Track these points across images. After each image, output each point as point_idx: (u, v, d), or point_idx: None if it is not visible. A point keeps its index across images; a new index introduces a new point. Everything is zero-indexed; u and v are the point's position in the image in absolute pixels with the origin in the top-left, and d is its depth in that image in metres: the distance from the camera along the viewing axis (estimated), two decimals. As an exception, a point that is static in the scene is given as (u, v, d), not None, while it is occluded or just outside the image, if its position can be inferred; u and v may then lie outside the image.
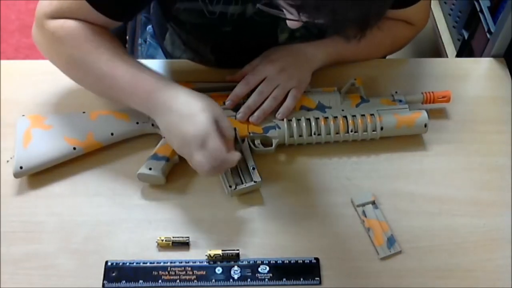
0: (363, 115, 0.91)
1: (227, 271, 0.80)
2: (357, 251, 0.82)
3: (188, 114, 0.80)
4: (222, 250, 0.81)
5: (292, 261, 0.81)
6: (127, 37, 1.21)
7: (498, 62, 1.05)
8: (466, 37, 1.31)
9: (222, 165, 0.80)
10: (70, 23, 0.85)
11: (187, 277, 0.80)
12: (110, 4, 0.84)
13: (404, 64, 1.07)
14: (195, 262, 0.81)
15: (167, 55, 1.12)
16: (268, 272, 0.80)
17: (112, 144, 0.91)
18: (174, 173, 0.89)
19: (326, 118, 0.91)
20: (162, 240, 0.82)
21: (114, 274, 0.80)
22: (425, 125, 0.92)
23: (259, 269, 0.80)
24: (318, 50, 0.96)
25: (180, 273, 0.80)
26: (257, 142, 0.90)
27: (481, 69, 1.05)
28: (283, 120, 0.90)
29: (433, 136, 0.93)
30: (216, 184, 0.88)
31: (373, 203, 0.86)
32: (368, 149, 0.92)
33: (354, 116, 0.91)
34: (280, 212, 0.86)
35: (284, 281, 0.80)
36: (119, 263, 0.80)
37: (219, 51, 1.02)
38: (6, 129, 0.92)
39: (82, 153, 0.89)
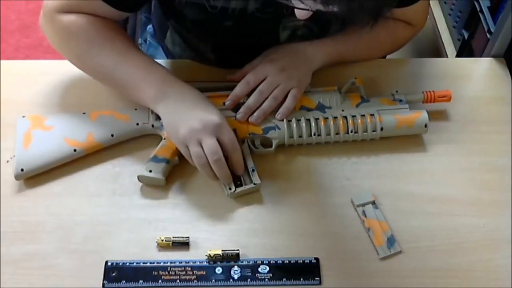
0: (363, 115, 0.91)
1: (227, 271, 0.80)
2: (357, 251, 0.82)
3: (202, 104, 0.83)
4: (222, 250, 0.81)
5: (292, 261, 0.81)
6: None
7: (498, 62, 1.05)
8: (466, 37, 1.31)
9: (235, 150, 0.82)
10: (82, 19, 0.87)
11: (187, 277, 0.80)
12: None
13: (404, 64, 1.07)
14: (195, 262, 0.81)
15: (168, 54, 1.12)
16: (268, 272, 0.80)
17: (112, 144, 0.91)
18: (174, 174, 0.89)
19: (326, 118, 0.91)
20: (162, 240, 0.82)
21: (114, 274, 0.80)
22: (425, 125, 0.91)
23: (259, 269, 0.80)
24: (318, 50, 0.96)
25: (180, 273, 0.80)
26: (257, 142, 0.90)
27: (481, 69, 1.05)
28: (283, 120, 0.90)
29: (433, 136, 0.93)
30: (216, 184, 0.88)
31: (373, 203, 0.86)
32: (368, 149, 0.92)
33: (354, 116, 0.91)
34: (280, 212, 0.86)
35: (284, 281, 0.79)
36: (119, 263, 0.80)
37: (219, 50, 1.02)
38: (6, 129, 0.92)
39: (83, 155, 0.89)
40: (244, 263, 0.81)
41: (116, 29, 0.90)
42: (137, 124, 0.90)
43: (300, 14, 0.73)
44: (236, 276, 0.80)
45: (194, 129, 0.81)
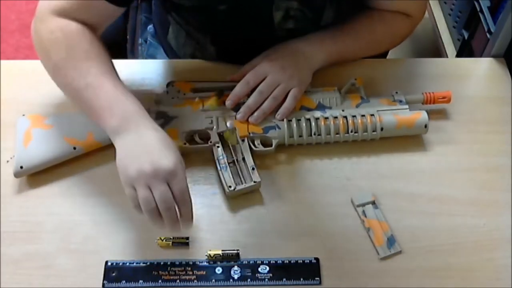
0: (363, 116, 0.91)
1: (227, 271, 0.80)
2: (357, 251, 0.82)
3: (160, 147, 0.76)
4: (222, 250, 0.81)
5: (292, 261, 0.81)
6: (127, 37, 1.21)
7: (498, 62, 1.05)
8: (466, 37, 1.32)
9: (186, 205, 0.76)
10: (71, 26, 0.85)
11: (187, 277, 0.80)
12: None
13: (404, 64, 1.07)
14: (195, 262, 0.81)
15: (169, 53, 1.12)
16: (268, 272, 0.80)
17: (111, 144, 0.91)
18: (174, 173, 0.89)
19: (326, 118, 0.91)
20: (162, 240, 0.82)
21: (114, 274, 0.80)
22: (425, 126, 0.91)
23: (259, 269, 0.80)
24: (317, 49, 0.96)
25: (180, 273, 0.80)
26: (257, 142, 0.90)
27: (481, 69, 1.05)
28: (283, 120, 0.90)
29: (433, 136, 0.93)
30: (216, 184, 0.88)
31: (373, 203, 0.86)
32: (368, 149, 0.92)
33: (354, 116, 0.91)
34: (280, 212, 0.86)
35: (284, 281, 0.79)
36: (119, 263, 0.80)
37: (219, 42, 1.01)
38: (6, 129, 0.92)
39: (82, 153, 0.89)
40: (244, 263, 0.81)
41: (102, 48, 0.86)
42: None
43: None
44: (236, 276, 0.80)
45: (144, 172, 0.74)
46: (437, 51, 1.44)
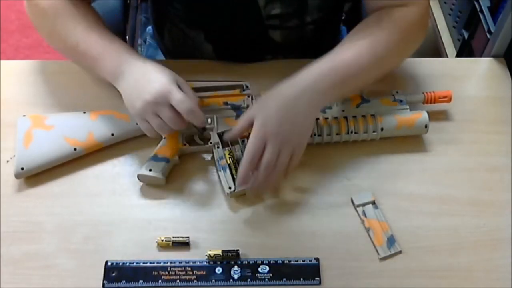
0: (363, 116, 0.91)
1: (227, 271, 0.80)
2: (357, 251, 0.82)
3: (150, 76, 0.84)
4: (222, 250, 0.81)
5: (292, 261, 0.81)
6: (127, 38, 1.21)
7: (498, 62, 1.05)
8: (466, 37, 1.32)
9: (192, 113, 0.81)
10: None
11: (187, 277, 0.80)
12: None
13: (404, 64, 1.07)
14: (195, 262, 0.81)
15: (167, 54, 1.12)
16: (268, 272, 0.80)
17: (112, 144, 0.91)
18: (174, 173, 0.89)
19: (327, 118, 0.91)
20: (162, 240, 0.82)
21: (114, 274, 0.80)
22: (426, 126, 0.91)
23: (259, 269, 0.80)
24: (317, 97, 0.84)
25: (180, 273, 0.80)
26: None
27: (481, 69, 1.05)
28: None
29: (433, 136, 0.93)
30: (216, 184, 0.88)
31: (373, 203, 0.86)
32: (368, 149, 0.92)
33: (354, 117, 0.90)
34: (280, 212, 0.86)
35: (284, 281, 0.79)
36: (119, 263, 0.80)
37: (213, 39, 1.02)
38: (6, 129, 0.92)
39: (83, 154, 0.89)
40: (244, 263, 0.81)
41: (83, 8, 0.91)
42: (137, 123, 0.90)
43: None
44: (236, 276, 0.80)
45: (146, 103, 0.81)
46: (437, 51, 1.44)
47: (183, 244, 0.82)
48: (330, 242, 0.83)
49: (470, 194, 0.88)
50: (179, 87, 0.83)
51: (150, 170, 0.86)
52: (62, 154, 0.88)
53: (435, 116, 0.95)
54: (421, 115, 0.91)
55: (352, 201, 0.86)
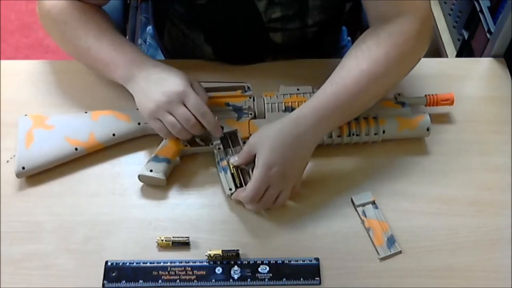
0: (365, 118, 0.90)
1: (227, 271, 0.80)
2: (357, 251, 0.82)
3: (165, 77, 0.85)
4: (222, 250, 0.81)
5: (292, 261, 0.81)
6: (127, 38, 1.21)
7: (498, 62, 1.05)
8: (466, 37, 1.32)
9: (205, 116, 0.83)
10: (61, 2, 0.90)
11: (187, 277, 0.80)
12: None
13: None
14: (195, 262, 0.81)
15: (167, 55, 1.12)
16: (268, 272, 0.80)
17: (113, 144, 0.91)
18: (174, 173, 0.89)
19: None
20: (162, 240, 0.82)
21: (114, 274, 0.80)
22: (428, 129, 0.91)
23: (259, 269, 0.80)
24: (315, 130, 0.83)
25: (180, 273, 0.80)
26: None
27: (481, 69, 1.05)
28: None
29: (433, 136, 0.93)
30: (216, 184, 0.88)
31: (373, 203, 0.86)
32: (368, 149, 0.92)
33: (356, 119, 0.90)
34: (280, 212, 0.86)
35: (284, 281, 0.79)
36: (119, 263, 0.80)
37: (212, 41, 1.02)
38: (6, 129, 0.92)
39: (84, 154, 0.89)
40: (244, 263, 0.81)
41: (94, 12, 0.92)
42: (139, 124, 0.91)
43: None
44: (236, 276, 0.80)
45: (160, 102, 0.82)
46: (437, 51, 1.44)
47: (183, 244, 0.82)
48: (330, 242, 0.83)
49: (470, 194, 0.88)
50: (193, 89, 0.84)
51: (151, 170, 0.86)
52: (63, 154, 0.88)
53: (435, 116, 0.95)
54: (423, 118, 0.91)
55: (352, 201, 0.86)
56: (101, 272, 0.80)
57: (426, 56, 0.91)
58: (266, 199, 0.82)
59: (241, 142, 0.88)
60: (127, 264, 0.80)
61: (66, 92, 0.98)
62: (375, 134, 0.90)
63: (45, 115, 0.91)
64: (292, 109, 0.90)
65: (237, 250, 0.81)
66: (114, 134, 0.90)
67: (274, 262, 0.81)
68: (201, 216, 0.85)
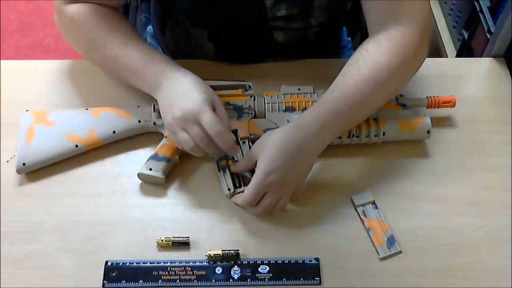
0: (365, 120, 0.90)
1: (227, 271, 0.80)
2: (357, 251, 0.82)
3: (186, 92, 0.83)
4: (222, 250, 0.81)
5: (292, 261, 0.81)
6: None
7: (498, 62, 1.05)
8: (466, 37, 1.32)
9: (220, 137, 0.79)
10: (85, 8, 0.89)
11: (187, 277, 0.80)
12: None
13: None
14: (195, 262, 0.81)
15: (168, 53, 1.12)
16: (268, 272, 0.80)
17: (113, 142, 0.91)
18: (174, 173, 0.89)
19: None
20: (162, 240, 0.82)
21: (114, 274, 0.80)
22: (428, 131, 0.91)
23: (259, 269, 0.80)
24: (317, 139, 0.83)
25: (180, 273, 0.80)
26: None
27: (481, 69, 1.05)
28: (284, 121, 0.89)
29: (432, 136, 0.93)
30: (216, 184, 0.88)
31: (373, 203, 0.86)
32: (368, 149, 0.92)
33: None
34: (280, 212, 0.85)
35: (284, 281, 0.79)
36: (119, 263, 0.80)
37: (216, 38, 1.02)
38: (6, 129, 0.92)
39: (84, 150, 0.89)
40: (244, 263, 0.81)
41: (118, 19, 0.91)
42: (139, 121, 0.91)
43: None
44: (236, 276, 0.80)
45: (176, 118, 0.81)
46: (437, 51, 1.44)
47: (183, 244, 0.82)
48: (330, 242, 0.83)
49: (470, 194, 0.88)
50: (214, 107, 0.82)
51: (151, 169, 0.86)
52: (63, 151, 0.88)
53: (438, 122, 0.95)
54: (424, 120, 0.91)
55: (352, 201, 0.86)
56: (101, 272, 0.80)
57: (426, 56, 0.91)
58: (264, 205, 0.82)
59: (240, 142, 0.88)
60: (127, 264, 0.80)
61: (66, 92, 0.98)
62: (375, 136, 0.90)
63: (46, 111, 0.92)
64: (293, 109, 0.90)
65: (237, 250, 0.81)
66: (114, 132, 0.90)
67: (274, 262, 0.81)
68: (201, 216, 0.85)
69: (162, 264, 0.80)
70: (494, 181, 0.90)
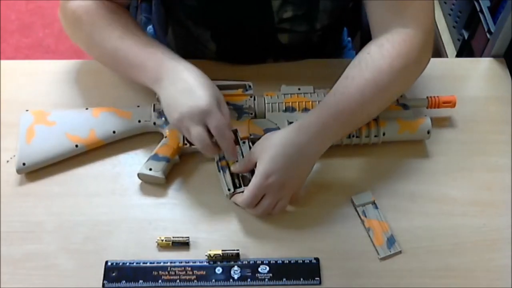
0: None
1: (227, 271, 0.80)
2: (357, 251, 0.82)
3: (192, 88, 0.81)
4: (222, 250, 0.81)
5: (292, 261, 0.81)
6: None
7: (498, 62, 1.05)
8: (466, 37, 1.32)
9: (222, 137, 0.80)
10: (87, 3, 0.88)
11: (187, 277, 0.80)
12: None
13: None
14: (195, 262, 0.81)
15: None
16: (268, 272, 0.80)
17: (113, 142, 0.91)
18: (175, 173, 0.89)
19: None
20: (162, 240, 0.82)
21: (114, 274, 0.80)
22: (428, 132, 0.91)
23: (259, 269, 0.80)
24: (317, 142, 0.83)
25: (180, 273, 0.80)
26: (257, 143, 0.90)
27: (481, 69, 1.05)
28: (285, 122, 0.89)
29: (432, 136, 0.93)
30: (216, 184, 0.88)
31: (373, 203, 0.86)
32: (369, 149, 0.92)
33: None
34: (280, 212, 0.85)
35: (284, 281, 0.79)
36: (119, 263, 0.80)
37: (219, 38, 1.01)
38: (6, 129, 0.92)
39: (84, 150, 0.89)
40: (244, 263, 0.81)
41: (120, 13, 0.90)
42: (139, 121, 0.91)
43: None
44: (236, 276, 0.80)
45: (182, 116, 0.80)
46: (437, 51, 1.44)
47: (183, 244, 0.82)
48: (330, 242, 0.83)
49: (470, 194, 0.88)
50: (219, 105, 0.81)
51: (151, 169, 0.86)
52: (63, 151, 0.88)
53: (438, 122, 0.95)
54: (424, 121, 0.91)
55: (352, 201, 0.86)
56: (101, 272, 0.80)
57: (430, 59, 0.90)
58: (264, 206, 0.82)
59: (240, 142, 0.88)
60: (127, 264, 0.80)
61: (66, 92, 0.98)
62: (375, 136, 0.90)
63: (46, 111, 0.92)
64: (293, 109, 0.90)
65: (237, 250, 0.81)
66: (114, 131, 0.90)
67: (274, 262, 0.81)
68: (201, 216, 0.85)
69: (162, 264, 0.80)
70: (494, 181, 0.90)
